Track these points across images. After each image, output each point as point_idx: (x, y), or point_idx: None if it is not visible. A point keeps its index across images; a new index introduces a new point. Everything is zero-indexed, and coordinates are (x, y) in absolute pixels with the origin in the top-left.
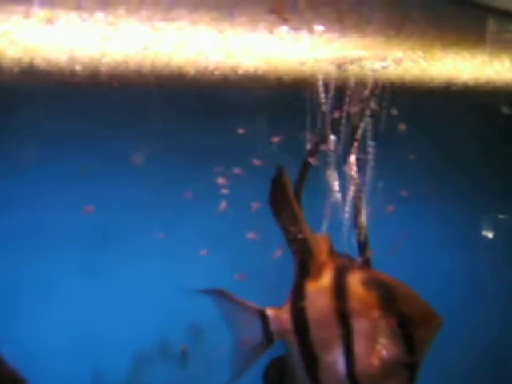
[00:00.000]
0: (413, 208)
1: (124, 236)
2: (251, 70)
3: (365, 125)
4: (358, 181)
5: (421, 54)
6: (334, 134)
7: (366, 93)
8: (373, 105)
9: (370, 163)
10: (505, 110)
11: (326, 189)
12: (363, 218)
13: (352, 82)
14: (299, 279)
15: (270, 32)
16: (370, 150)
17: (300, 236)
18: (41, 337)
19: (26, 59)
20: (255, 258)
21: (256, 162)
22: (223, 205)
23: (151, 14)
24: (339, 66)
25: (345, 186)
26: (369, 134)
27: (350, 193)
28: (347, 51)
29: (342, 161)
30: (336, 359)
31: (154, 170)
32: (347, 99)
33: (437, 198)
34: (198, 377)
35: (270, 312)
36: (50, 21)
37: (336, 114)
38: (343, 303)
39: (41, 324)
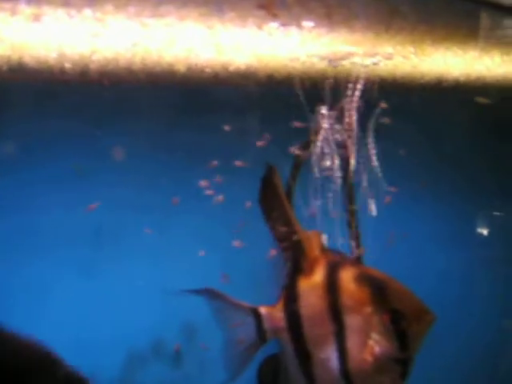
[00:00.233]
0: (405, 204)
1: (117, 236)
2: (242, 67)
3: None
4: (351, 179)
5: (411, 49)
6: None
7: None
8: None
9: (363, 160)
10: (496, 105)
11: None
12: (355, 216)
13: (345, 78)
14: (291, 276)
15: (260, 28)
16: (362, 147)
17: (291, 234)
18: (34, 336)
19: (15, 57)
20: (249, 258)
21: (238, 163)
22: (219, 198)
23: (139, 10)
24: (330, 62)
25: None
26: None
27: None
28: (337, 47)
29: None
30: (329, 356)
31: (144, 167)
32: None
33: (429, 195)
34: (191, 376)
35: (263, 310)
36: (37, 18)
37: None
38: (336, 300)
39: (34, 324)
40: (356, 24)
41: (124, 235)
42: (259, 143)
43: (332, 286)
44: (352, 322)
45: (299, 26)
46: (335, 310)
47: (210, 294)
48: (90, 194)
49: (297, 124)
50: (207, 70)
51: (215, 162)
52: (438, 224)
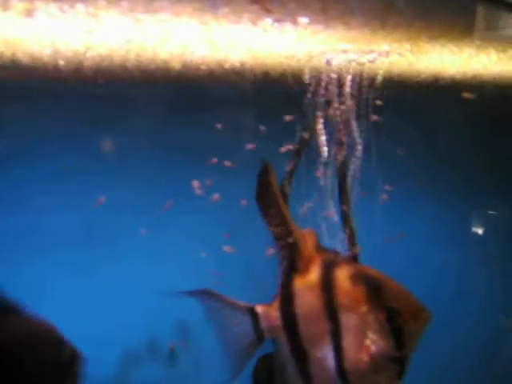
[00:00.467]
0: (401, 203)
1: (112, 235)
2: (237, 64)
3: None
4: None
5: (407, 46)
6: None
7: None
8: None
9: (359, 159)
10: (492, 103)
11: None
12: (351, 215)
13: (339, 75)
14: (287, 275)
15: (254, 24)
16: (358, 145)
17: (287, 233)
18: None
19: (8, 53)
20: (245, 257)
21: (227, 163)
22: (216, 196)
23: (132, 5)
24: (326, 60)
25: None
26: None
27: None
28: (332, 44)
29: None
30: (325, 355)
31: (139, 165)
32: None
33: (426, 193)
34: (187, 374)
35: (260, 309)
36: (29, 13)
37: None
38: (332, 298)
39: None
40: (352, 20)
41: (119, 235)
42: (249, 146)
43: (328, 284)
44: (348, 320)
45: (294, 22)
46: (331, 309)
47: (206, 295)
48: (84, 193)
49: (288, 118)
50: (202, 67)
51: (215, 160)
52: (435, 222)
